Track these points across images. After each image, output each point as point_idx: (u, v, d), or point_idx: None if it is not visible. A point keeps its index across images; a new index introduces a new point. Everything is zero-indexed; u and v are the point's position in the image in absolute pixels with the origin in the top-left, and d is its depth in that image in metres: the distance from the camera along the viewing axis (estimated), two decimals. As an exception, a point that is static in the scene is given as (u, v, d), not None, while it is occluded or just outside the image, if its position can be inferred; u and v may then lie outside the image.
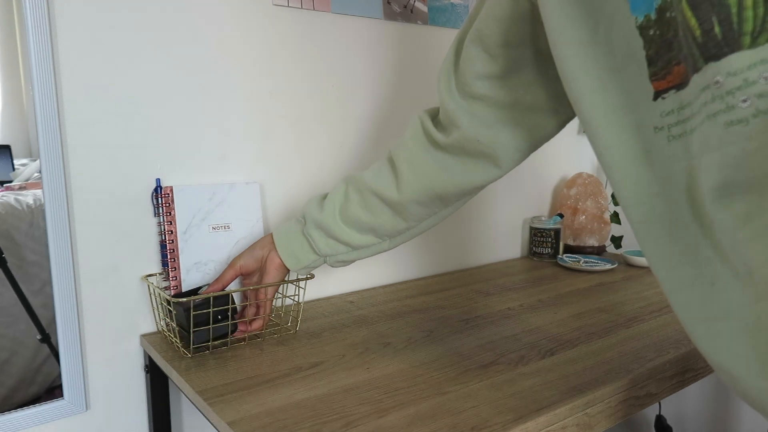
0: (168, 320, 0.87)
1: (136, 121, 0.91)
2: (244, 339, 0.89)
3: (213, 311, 0.83)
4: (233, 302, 0.87)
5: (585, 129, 0.53)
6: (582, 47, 0.51)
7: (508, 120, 0.72)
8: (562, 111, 0.73)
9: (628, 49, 0.47)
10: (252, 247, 0.89)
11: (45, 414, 0.86)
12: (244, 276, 0.91)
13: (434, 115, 0.80)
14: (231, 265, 0.88)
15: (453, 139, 0.75)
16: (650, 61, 0.46)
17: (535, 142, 0.75)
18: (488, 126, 0.73)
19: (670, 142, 0.46)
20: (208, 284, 0.94)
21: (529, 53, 0.68)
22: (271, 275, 0.88)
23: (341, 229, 0.84)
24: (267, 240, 0.88)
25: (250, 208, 0.99)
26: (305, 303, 1.10)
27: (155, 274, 0.94)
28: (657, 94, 0.46)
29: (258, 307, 0.91)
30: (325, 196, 0.87)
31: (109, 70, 0.87)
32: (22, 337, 0.83)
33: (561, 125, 0.75)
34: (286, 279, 1.04)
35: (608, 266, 1.34)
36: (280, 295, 1.05)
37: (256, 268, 0.89)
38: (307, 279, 0.92)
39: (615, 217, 1.58)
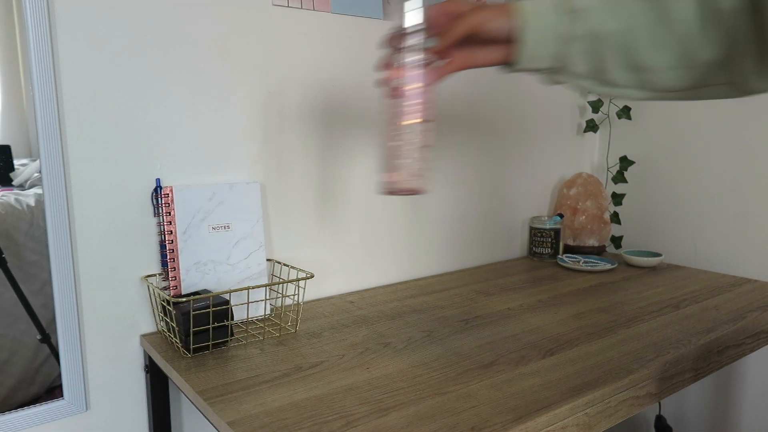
0: (168, 320, 0.87)
1: (136, 121, 0.91)
2: (243, 338, 0.89)
3: (213, 312, 0.83)
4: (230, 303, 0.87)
5: None
6: None
7: None
8: None
9: None
10: (491, 11, 0.66)
11: (45, 414, 0.86)
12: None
13: None
14: (466, 22, 0.65)
15: None
16: None
17: None
18: None
19: None
20: (206, 289, 0.94)
21: None
22: (490, 57, 0.68)
23: (613, 53, 0.63)
24: (505, 11, 0.65)
25: (250, 208, 0.99)
26: (305, 303, 1.10)
27: (155, 275, 0.94)
28: None
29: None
30: None
31: (109, 70, 0.87)
32: (22, 337, 0.83)
33: None
34: (286, 278, 1.04)
35: (608, 266, 1.34)
36: (279, 295, 1.05)
37: (481, 42, 0.68)
38: (307, 279, 0.92)
39: (615, 217, 1.58)
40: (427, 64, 0.67)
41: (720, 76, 0.62)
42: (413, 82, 0.66)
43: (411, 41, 0.66)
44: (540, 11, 0.65)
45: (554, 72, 0.67)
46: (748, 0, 0.59)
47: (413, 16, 0.66)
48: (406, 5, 0.66)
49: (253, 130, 1.03)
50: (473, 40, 0.67)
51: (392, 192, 0.69)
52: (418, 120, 0.67)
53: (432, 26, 0.67)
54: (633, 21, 0.62)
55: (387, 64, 0.69)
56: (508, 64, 0.68)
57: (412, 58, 0.66)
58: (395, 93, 0.68)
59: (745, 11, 0.59)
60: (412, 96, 0.66)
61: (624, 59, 0.63)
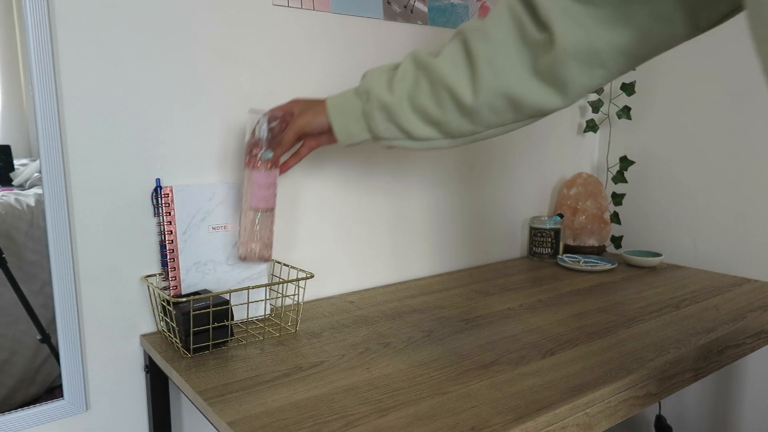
0: (168, 320, 0.87)
1: (135, 121, 0.91)
2: (243, 338, 0.89)
3: (213, 312, 0.83)
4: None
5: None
6: None
7: (625, 19, 0.62)
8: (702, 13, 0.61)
9: None
10: (311, 112, 0.85)
11: (45, 414, 0.86)
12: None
13: (527, 3, 0.70)
14: (293, 128, 0.85)
15: (544, 43, 0.67)
16: None
17: (654, 47, 0.65)
18: (597, 27, 0.63)
19: None
20: (206, 289, 0.94)
21: None
22: (327, 140, 0.88)
23: (406, 116, 0.78)
24: (321, 108, 0.84)
25: (250, 208, 0.98)
26: (305, 303, 1.10)
27: (155, 275, 0.94)
28: None
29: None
30: (389, 73, 0.80)
31: (109, 70, 0.87)
32: (22, 337, 0.83)
33: (698, 30, 0.63)
34: (286, 278, 1.04)
35: (608, 266, 1.34)
36: (279, 295, 1.05)
37: (316, 134, 0.87)
38: (307, 279, 0.91)
39: (615, 217, 1.58)
40: (272, 164, 0.86)
41: (513, 114, 0.75)
42: (260, 179, 0.84)
43: (259, 143, 0.85)
44: (341, 102, 0.83)
45: (377, 140, 0.83)
46: (509, 39, 0.70)
47: (261, 123, 0.86)
48: (251, 114, 0.87)
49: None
50: (311, 132, 0.86)
51: (243, 258, 0.89)
52: (263, 207, 0.86)
53: (275, 124, 0.86)
54: (413, 89, 0.77)
55: (246, 161, 0.87)
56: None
57: (260, 157, 0.85)
58: (247, 184, 0.86)
59: (498, 56, 0.70)
60: (259, 188, 0.85)
61: (421, 118, 0.78)
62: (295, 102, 0.88)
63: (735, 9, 0.60)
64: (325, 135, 0.87)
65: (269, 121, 0.85)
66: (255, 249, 0.87)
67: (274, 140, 0.85)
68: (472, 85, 0.73)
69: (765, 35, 0.40)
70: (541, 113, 0.74)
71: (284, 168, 0.90)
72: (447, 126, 0.77)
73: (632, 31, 0.63)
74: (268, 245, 0.89)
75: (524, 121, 0.76)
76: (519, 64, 0.70)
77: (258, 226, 0.87)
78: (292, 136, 0.85)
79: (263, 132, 0.85)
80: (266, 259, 0.89)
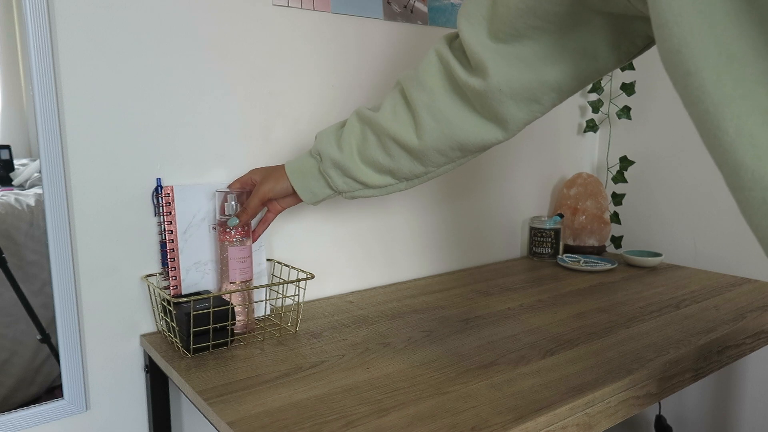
0: (168, 320, 0.87)
1: (136, 121, 0.91)
2: (243, 339, 0.89)
3: (213, 312, 0.83)
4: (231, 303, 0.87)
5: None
6: None
7: (553, 57, 0.67)
8: (623, 46, 0.66)
9: None
10: (272, 179, 0.88)
11: (45, 414, 0.86)
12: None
13: (457, 48, 0.75)
14: (257, 195, 0.87)
15: (478, 85, 0.70)
16: None
17: (582, 80, 0.70)
18: (527, 66, 0.68)
19: None
20: (207, 290, 0.94)
21: None
22: (293, 201, 0.92)
23: (359, 169, 0.83)
24: (281, 174, 0.88)
25: (250, 208, 0.98)
26: (305, 303, 1.10)
27: (155, 274, 0.94)
28: None
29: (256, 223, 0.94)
30: (337, 132, 0.85)
31: (109, 70, 0.87)
32: (22, 337, 0.83)
33: (619, 62, 0.68)
34: (286, 279, 1.04)
35: (608, 266, 1.34)
36: (279, 295, 1.05)
37: (280, 198, 0.91)
38: (307, 279, 0.92)
39: (615, 217, 1.58)
40: (244, 235, 0.89)
41: (459, 152, 0.79)
42: (236, 253, 0.88)
43: (229, 217, 0.88)
44: (298, 165, 0.87)
45: (340, 194, 0.87)
46: (440, 85, 0.75)
47: (229, 201, 0.89)
48: (218, 194, 0.91)
49: (253, 130, 1.03)
50: (275, 197, 0.89)
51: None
52: (241, 280, 0.89)
53: (242, 197, 0.90)
54: (361, 143, 0.82)
55: (220, 239, 0.89)
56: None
57: (228, 224, 0.88)
58: (223, 259, 0.89)
59: (439, 100, 0.75)
60: (237, 261, 0.89)
61: (373, 169, 0.83)
62: (254, 171, 0.92)
63: (649, 43, 0.65)
64: (290, 197, 0.91)
65: (236, 197, 0.89)
66: (242, 321, 0.91)
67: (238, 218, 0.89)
68: (416, 131, 0.78)
69: (670, 62, 0.44)
70: (486, 148, 0.79)
71: (254, 237, 0.93)
72: (400, 172, 0.82)
73: (562, 68, 0.68)
74: (252, 311, 0.93)
75: (472, 155, 0.81)
76: (456, 106, 0.75)
77: (240, 298, 0.91)
78: (257, 202, 0.88)
79: (232, 208, 0.89)
80: (252, 328, 0.93)
